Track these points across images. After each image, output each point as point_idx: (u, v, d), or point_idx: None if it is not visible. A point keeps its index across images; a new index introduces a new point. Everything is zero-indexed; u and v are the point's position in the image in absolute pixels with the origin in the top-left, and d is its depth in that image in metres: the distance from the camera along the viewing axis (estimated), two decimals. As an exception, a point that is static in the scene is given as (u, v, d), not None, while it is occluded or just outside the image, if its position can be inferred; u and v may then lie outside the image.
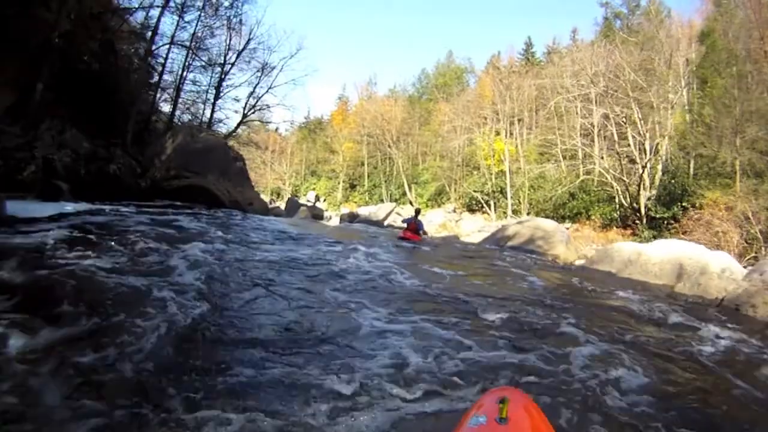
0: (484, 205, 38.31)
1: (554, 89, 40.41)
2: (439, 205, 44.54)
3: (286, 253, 8.17)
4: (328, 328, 4.36)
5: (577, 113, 34.60)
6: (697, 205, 21.06)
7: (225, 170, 17.09)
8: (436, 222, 36.76)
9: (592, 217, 28.50)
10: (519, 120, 42.40)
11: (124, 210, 11.17)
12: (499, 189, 38.17)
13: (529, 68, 46.49)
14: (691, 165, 26.76)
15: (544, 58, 52.26)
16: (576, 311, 6.19)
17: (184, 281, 5.25)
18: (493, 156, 39.06)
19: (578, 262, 14.85)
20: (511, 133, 42.03)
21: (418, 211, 17.51)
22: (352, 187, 59.42)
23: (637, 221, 25.01)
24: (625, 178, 26.06)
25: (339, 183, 60.25)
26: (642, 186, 25.18)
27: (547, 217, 31.51)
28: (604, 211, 28.34)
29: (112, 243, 6.60)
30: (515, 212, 35.96)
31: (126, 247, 6.44)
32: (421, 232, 14.97)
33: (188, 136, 16.65)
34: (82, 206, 10.58)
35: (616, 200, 28.27)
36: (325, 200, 61.10)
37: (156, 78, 23.88)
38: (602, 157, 29.96)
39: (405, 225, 15.53)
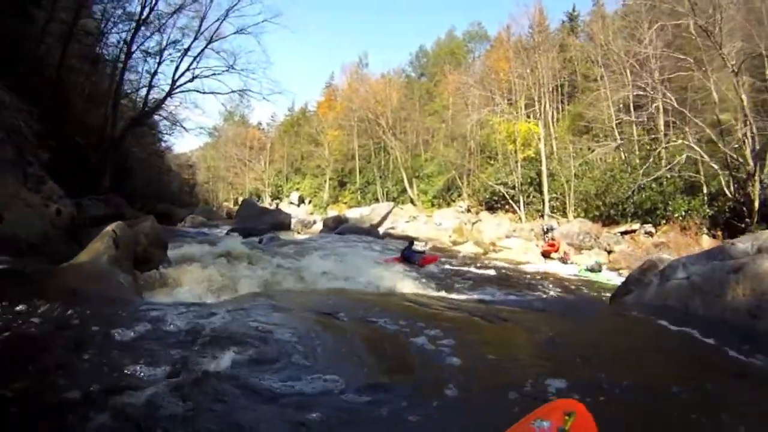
0: (510, 201, 29.34)
1: (584, 59, 34.21)
2: (448, 204, 35.82)
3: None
4: None
5: (627, 80, 25.79)
6: None
7: None
8: (447, 227, 27.99)
9: (675, 216, 19.73)
10: (551, 91, 33.31)
11: None
12: (528, 181, 29.19)
13: (546, 38, 37.30)
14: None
15: (557, 30, 43.17)
16: None
17: None
18: (517, 140, 30.00)
19: None
20: (534, 113, 32.56)
21: (412, 242, 15.86)
22: (342, 185, 51.01)
23: (747, 219, 17.02)
24: (734, 156, 17.81)
25: (325, 181, 51.58)
26: (759, 168, 17.00)
27: (600, 216, 23.20)
28: (692, 207, 19.66)
29: None
30: (554, 210, 27.05)
31: None
32: (416, 262, 13.81)
33: None
34: None
35: (704, 191, 19.97)
36: (310, 202, 52.66)
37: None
38: (681, 133, 21.24)
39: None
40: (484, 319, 5.71)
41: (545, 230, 21.27)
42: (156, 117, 26.67)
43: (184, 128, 26.52)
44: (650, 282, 6.40)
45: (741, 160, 17.47)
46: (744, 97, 17.48)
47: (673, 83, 22.29)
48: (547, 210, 26.99)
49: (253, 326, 4.90)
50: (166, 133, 31.29)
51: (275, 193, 60.08)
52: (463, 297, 9.45)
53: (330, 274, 10.46)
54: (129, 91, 24.96)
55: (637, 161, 23.43)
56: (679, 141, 20.24)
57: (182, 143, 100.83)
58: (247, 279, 9.00)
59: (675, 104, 20.42)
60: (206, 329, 4.54)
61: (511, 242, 22.99)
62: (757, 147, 17.04)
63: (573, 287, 12.84)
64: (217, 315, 5.12)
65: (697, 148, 19.03)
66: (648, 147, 23.76)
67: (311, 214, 46.48)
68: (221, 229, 25.10)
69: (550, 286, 12.41)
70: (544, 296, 10.67)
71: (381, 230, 27.26)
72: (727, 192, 18.39)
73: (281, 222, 25.05)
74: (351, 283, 10.04)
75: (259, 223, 23.19)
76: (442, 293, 9.95)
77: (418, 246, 14.78)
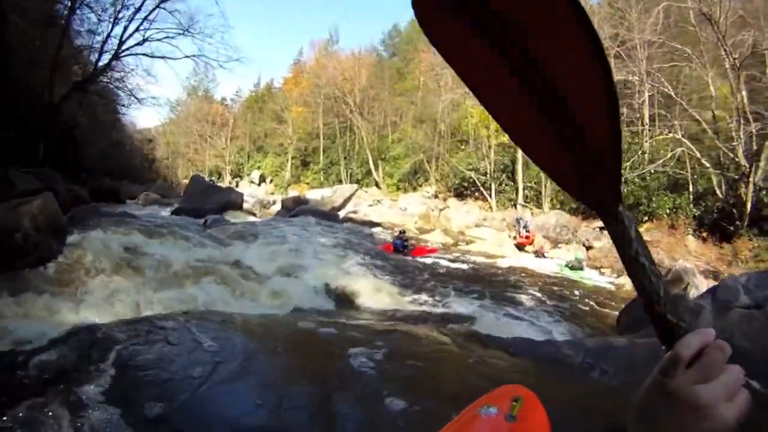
0: (481, 188, 27.63)
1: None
2: (414, 189, 33.97)
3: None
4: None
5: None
6: None
7: None
8: (413, 212, 26.26)
9: (659, 213, 18.45)
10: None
11: None
12: (501, 168, 27.49)
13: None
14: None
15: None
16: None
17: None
18: (491, 125, 28.22)
19: None
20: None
21: (403, 231, 16.70)
22: (305, 164, 48.63)
23: (738, 222, 15.78)
24: (730, 154, 16.71)
25: (288, 160, 49.19)
26: (755, 167, 15.59)
27: (578, 208, 21.80)
28: (677, 205, 18.34)
29: None
30: (528, 200, 25.45)
31: None
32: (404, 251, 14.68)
33: None
34: None
35: (690, 189, 18.61)
36: (271, 181, 50.37)
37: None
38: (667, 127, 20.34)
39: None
40: (461, 350, 4.02)
41: (522, 225, 19.74)
42: (110, 86, 25.01)
43: (136, 98, 24.47)
44: (700, 309, 4.64)
45: (737, 159, 16.26)
46: (744, 93, 16.18)
47: (656, 80, 20.89)
48: (520, 200, 25.36)
49: (158, 374, 3.29)
50: (123, 105, 29.30)
51: (236, 171, 57.59)
52: (431, 308, 7.72)
53: (274, 270, 8.53)
54: (82, 55, 22.95)
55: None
56: (670, 135, 18.92)
57: (146, 118, 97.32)
58: (165, 281, 6.95)
59: (672, 92, 18.93)
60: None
61: (482, 232, 21.58)
62: (755, 147, 15.68)
63: (561, 291, 11.53)
64: (103, 350, 3.57)
65: (689, 144, 17.80)
66: (629, 140, 22.47)
67: (272, 193, 44.28)
68: (171, 208, 23.01)
69: (536, 290, 10.99)
70: (541, 308, 9.14)
71: (342, 213, 25.40)
72: (718, 192, 17.22)
73: (232, 201, 22.80)
74: (298, 283, 8.17)
75: (208, 203, 20.92)
76: (410, 298, 8.20)
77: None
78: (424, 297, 8.65)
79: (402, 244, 14.79)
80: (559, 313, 9.02)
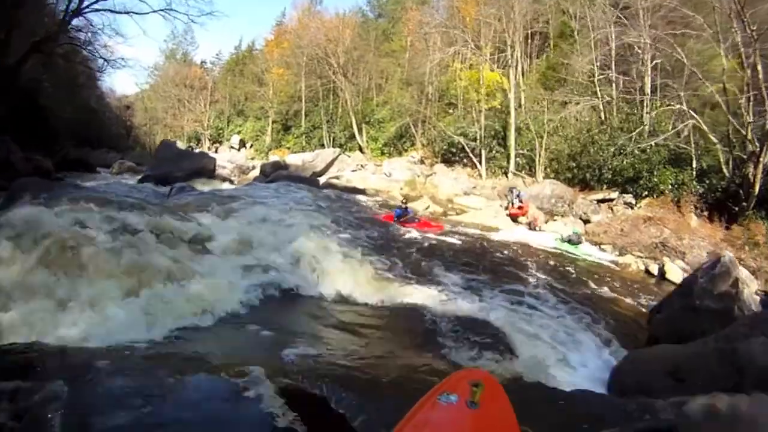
0: (470, 154, 26.31)
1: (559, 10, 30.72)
2: (399, 153, 32.58)
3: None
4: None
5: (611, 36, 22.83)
6: None
7: None
8: (398, 178, 25.11)
9: (661, 188, 17.55)
10: (522, 39, 29.70)
11: None
12: (492, 134, 26.12)
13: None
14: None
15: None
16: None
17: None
18: (482, 88, 26.79)
19: None
20: (501, 62, 29.17)
21: (405, 201, 16.31)
22: (286, 129, 46.65)
23: (744, 202, 14.93)
24: (742, 131, 15.49)
25: (268, 124, 47.44)
26: (767, 147, 14.54)
27: (573, 179, 20.75)
28: (680, 181, 17.28)
29: None
30: (520, 168, 24.26)
31: None
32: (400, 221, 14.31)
33: None
34: None
35: (693, 165, 17.54)
36: (251, 146, 49.01)
37: None
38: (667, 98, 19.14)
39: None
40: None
41: (515, 194, 18.63)
42: (77, 47, 23.85)
43: (105, 59, 23.07)
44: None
45: (748, 137, 15.15)
46: (760, 68, 14.96)
47: (663, 47, 19.55)
48: (512, 167, 24.14)
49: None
50: (95, 69, 27.88)
51: (215, 136, 55.88)
52: (425, 293, 6.52)
53: (227, 247, 7.22)
54: (46, 15, 21.58)
55: (616, 123, 20.99)
56: (677, 106, 17.71)
57: (125, 85, 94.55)
58: (98, 272, 5.57)
59: (684, 59, 17.57)
60: None
61: (471, 200, 20.70)
62: (767, 127, 14.53)
63: (565, 270, 10.79)
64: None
65: (696, 117, 16.64)
66: (627, 111, 21.24)
67: (252, 159, 42.87)
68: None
69: (539, 269, 10.24)
70: (548, 291, 8.29)
71: (323, 179, 24.14)
72: (725, 170, 16.22)
73: (204, 168, 21.26)
74: (254, 264, 6.93)
75: (177, 169, 19.51)
76: (398, 282, 7.00)
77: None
78: (410, 275, 7.66)
79: (401, 214, 14.61)
80: (569, 296, 8.14)
